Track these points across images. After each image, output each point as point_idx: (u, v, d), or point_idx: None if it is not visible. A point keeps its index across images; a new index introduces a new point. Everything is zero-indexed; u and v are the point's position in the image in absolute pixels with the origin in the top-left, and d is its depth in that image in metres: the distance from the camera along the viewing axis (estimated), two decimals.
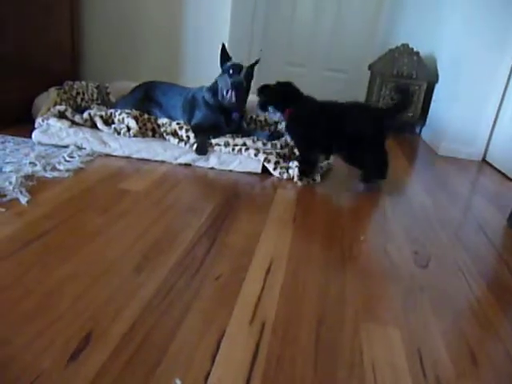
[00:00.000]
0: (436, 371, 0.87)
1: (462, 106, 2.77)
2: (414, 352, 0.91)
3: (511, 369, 0.91)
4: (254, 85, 2.12)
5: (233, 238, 1.31)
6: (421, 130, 3.41)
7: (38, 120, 1.93)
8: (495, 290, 1.23)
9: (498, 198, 2.07)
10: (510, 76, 2.61)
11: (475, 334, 1.02)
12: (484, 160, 2.80)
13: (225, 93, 2.04)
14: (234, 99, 2.02)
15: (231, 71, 2.03)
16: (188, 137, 1.99)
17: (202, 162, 1.90)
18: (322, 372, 0.83)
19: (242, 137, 2.05)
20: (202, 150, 1.91)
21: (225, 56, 2.13)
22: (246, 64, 2.12)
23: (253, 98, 2.22)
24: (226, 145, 1.95)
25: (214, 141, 1.98)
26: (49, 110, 2.00)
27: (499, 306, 1.14)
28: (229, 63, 2.09)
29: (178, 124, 2.03)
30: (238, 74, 2.03)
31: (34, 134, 1.88)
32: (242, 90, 2.04)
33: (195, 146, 1.92)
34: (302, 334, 0.92)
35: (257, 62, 2.19)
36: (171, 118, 2.14)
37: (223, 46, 2.14)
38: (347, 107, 1.89)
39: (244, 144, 1.97)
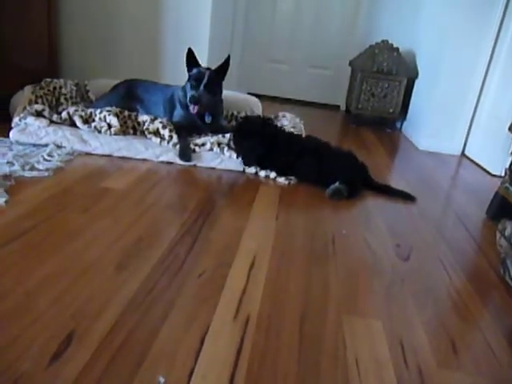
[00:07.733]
0: (418, 361, 0.88)
1: (441, 102, 2.81)
2: (396, 343, 0.93)
3: (490, 357, 0.93)
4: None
5: (216, 234, 1.31)
6: (401, 125, 3.45)
7: (15, 119, 1.89)
8: (475, 281, 1.25)
9: (477, 192, 2.10)
10: (487, 72, 2.66)
11: (455, 324, 1.04)
12: (463, 154, 2.85)
13: (188, 103, 2.06)
14: (195, 111, 2.05)
15: (193, 82, 2.04)
16: (171, 136, 1.97)
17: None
18: (306, 365, 0.83)
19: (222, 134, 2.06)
20: (186, 155, 1.89)
21: (191, 61, 2.10)
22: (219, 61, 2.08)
23: (230, 93, 2.20)
24: (211, 144, 1.96)
25: (196, 142, 1.97)
26: (25, 108, 1.96)
27: (479, 297, 1.17)
28: (193, 71, 2.08)
29: (161, 123, 2.01)
30: (199, 85, 2.03)
31: (11, 133, 1.84)
32: (200, 102, 2.03)
33: (179, 151, 1.91)
34: (285, 328, 0.93)
35: (226, 62, 2.12)
36: (152, 115, 2.12)
37: (189, 50, 2.10)
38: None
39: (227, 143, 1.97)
